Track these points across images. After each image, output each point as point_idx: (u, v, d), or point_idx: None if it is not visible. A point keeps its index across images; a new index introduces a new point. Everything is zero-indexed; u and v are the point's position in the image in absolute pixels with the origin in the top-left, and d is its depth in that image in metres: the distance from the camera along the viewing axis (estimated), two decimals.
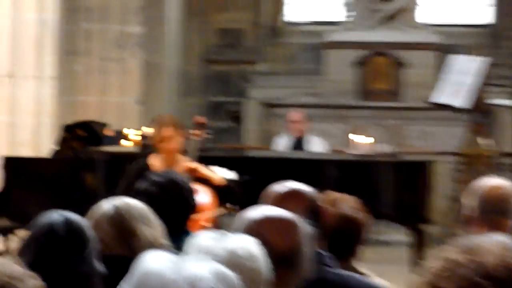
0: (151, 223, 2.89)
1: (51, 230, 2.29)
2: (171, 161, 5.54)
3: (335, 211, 3.16)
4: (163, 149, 5.52)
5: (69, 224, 2.31)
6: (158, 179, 3.67)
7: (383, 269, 4.30)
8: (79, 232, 2.41)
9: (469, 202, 3.41)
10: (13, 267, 1.66)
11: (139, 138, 7.11)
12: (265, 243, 1.93)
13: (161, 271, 1.41)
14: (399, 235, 8.22)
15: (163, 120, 5.67)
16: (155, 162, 5.56)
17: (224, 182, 5.43)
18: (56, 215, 2.33)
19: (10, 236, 6.79)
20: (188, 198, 3.64)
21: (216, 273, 1.45)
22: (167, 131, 5.44)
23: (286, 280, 2.03)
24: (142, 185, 3.67)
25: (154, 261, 1.42)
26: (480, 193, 3.35)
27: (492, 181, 3.52)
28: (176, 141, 5.50)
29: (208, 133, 5.88)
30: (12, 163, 7.11)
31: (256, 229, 2.11)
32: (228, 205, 5.99)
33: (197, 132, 5.75)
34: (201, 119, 5.94)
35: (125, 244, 2.80)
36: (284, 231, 2.21)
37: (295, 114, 9.14)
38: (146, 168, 5.45)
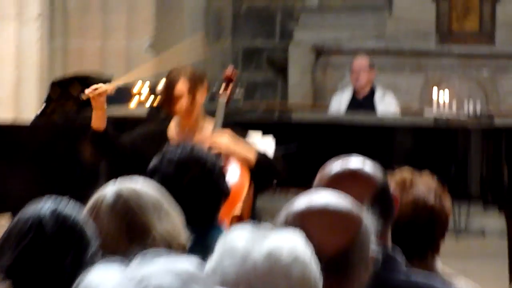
0: (166, 215, 2.62)
1: (36, 226, 2.04)
2: (191, 128, 5.06)
3: (409, 195, 2.93)
4: (177, 111, 5.04)
5: (60, 218, 2.06)
6: (176, 155, 3.39)
7: (475, 266, 4.25)
8: (73, 229, 2.20)
9: None
10: None
11: (151, 96, 6.45)
12: (311, 243, 1.77)
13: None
14: (494, 222, 7.56)
15: (177, 73, 5.08)
16: (172, 128, 5.17)
17: (262, 157, 4.94)
18: (43, 206, 2.07)
19: None
20: (218, 181, 3.35)
21: None
22: (181, 87, 4.95)
23: None
24: (154, 163, 3.42)
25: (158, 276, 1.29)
26: None
27: None
28: (193, 102, 5.00)
29: (240, 90, 5.34)
30: None
31: (299, 224, 1.90)
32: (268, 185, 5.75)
33: (226, 89, 5.10)
34: (231, 71, 5.16)
35: (133, 242, 2.51)
36: (337, 228, 2.00)
37: (358, 61, 8.00)
38: (164, 133, 5.11)
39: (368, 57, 8.35)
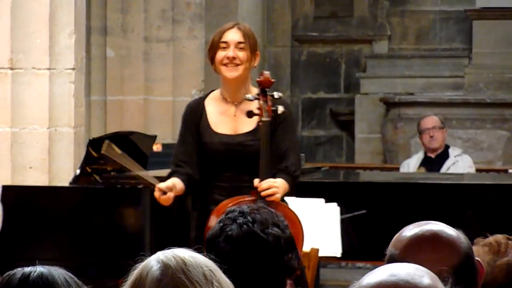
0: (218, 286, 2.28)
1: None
2: (234, 96, 4.85)
3: (501, 262, 2.69)
4: (221, 62, 4.79)
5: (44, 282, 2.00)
6: (234, 228, 2.97)
7: None
8: None
9: None
10: None
11: None
12: None
13: None
14: None
15: (228, 25, 4.99)
16: (212, 105, 4.96)
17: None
18: (34, 269, 1.98)
19: None
20: (281, 258, 2.92)
21: None
22: (232, 34, 4.75)
23: None
24: (211, 233, 3.06)
25: None
26: None
27: None
28: (240, 56, 4.77)
29: (273, 108, 4.74)
30: (12, 193, 6.09)
31: None
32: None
33: (264, 98, 4.66)
34: (266, 76, 4.74)
35: None
36: None
37: (430, 119, 7.75)
38: (200, 114, 4.93)
39: (442, 110, 8.29)
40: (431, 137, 7.62)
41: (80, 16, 6.56)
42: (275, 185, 4.53)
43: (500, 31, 9.40)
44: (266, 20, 10.05)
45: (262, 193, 4.52)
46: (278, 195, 4.57)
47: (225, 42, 4.67)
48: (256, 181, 4.53)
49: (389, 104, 9.25)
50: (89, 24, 7.38)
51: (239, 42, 4.66)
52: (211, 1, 8.42)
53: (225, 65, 4.65)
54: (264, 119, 4.53)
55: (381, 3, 10.13)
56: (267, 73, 4.75)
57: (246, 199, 4.42)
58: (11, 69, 6.44)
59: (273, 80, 4.74)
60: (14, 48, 6.38)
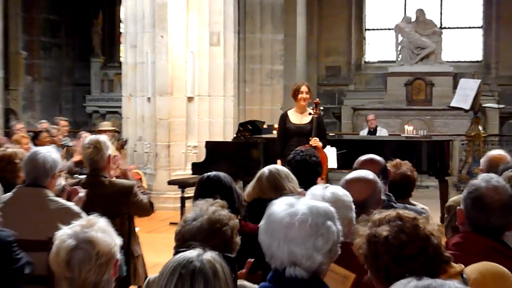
0: (292, 180, 3.47)
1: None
2: (302, 111, 6.62)
3: (397, 171, 3.79)
4: (299, 98, 6.51)
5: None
6: (298, 156, 4.23)
7: (424, 201, 4.31)
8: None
9: (482, 164, 4.17)
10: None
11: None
12: (352, 195, 2.50)
13: (278, 209, 1.94)
14: (433, 182, 9.55)
15: (302, 83, 6.76)
16: (291, 113, 6.69)
17: (324, 145, 6.39)
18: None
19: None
20: (316, 168, 4.23)
21: (311, 207, 1.94)
22: (304, 88, 6.63)
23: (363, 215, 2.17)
24: (289, 158, 4.29)
25: (277, 203, 1.92)
26: (487, 158, 4.19)
27: (494, 152, 4.28)
28: (307, 97, 6.62)
29: (322, 111, 6.76)
30: (210, 144, 8.62)
31: (346, 186, 2.64)
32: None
33: (315, 109, 6.64)
34: (317, 100, 6.83)
35: (276, 192, 3.32)
36: (365, 187, 2.70)
37: (370, 115, 11.64)
38: (286, 117, 6.63)
39: (374, 112, 11.74)
40: (371, 123, 11.22)
41: None
42: (318, 142, 6.28)
43: (397, 80, 13.44)
44: (307, 77, 13.20)
45: (313, 143, 6.19)
46: (320, 145, 6.22)
47: (300, 91, 6.51)
48: (311, 140, 6.31)
49: (354, 109, 13.74)
50: None
51: (306, 92, 6.53)
52: (286, 69, 12.17)
53: (302, 99, 6.47)
54: (315, 116, 6.32)
55: (351, 70, 14.53)
56: (317, 99, 6.77)
57: (306, 146, 5.62)
58: None
59: (319, 102, 6.54)
60: None
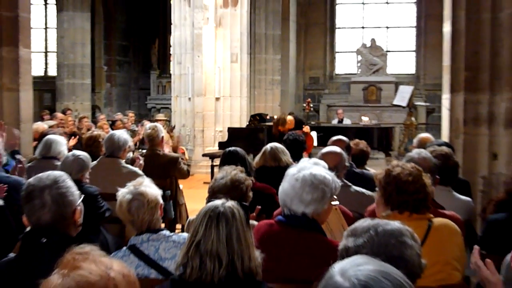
0: (286, 154, 3.31)
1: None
2: (286, 129, 6.67)
3: (357, 147, 3.65)
4: (281, 128, 6.74)
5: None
6: (291, 137, 3.97)
7: (375, 168, 3.35)
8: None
9: (414, 143, 3.90)
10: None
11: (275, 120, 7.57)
12: (327, 163, 2.33)
13: (291, 172, 1.87)
14: (381, 155, 9.56)
15: (284, 118, 6.72)
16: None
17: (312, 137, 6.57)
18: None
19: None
20: (302, 145, 3.98)
21: (312, 173, 1.81)
22: (288, 125, 6.57)
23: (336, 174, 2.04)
24: (285, 138, 4.00)
25: (291, 169, 1.83)
26: (418, 139, 3.95)
27: (422, 134, 4.10)
28: (289, 126, 6.74)
29: (311, 109, 7.57)
30: (231, 130, 8.70)
31: (322, 157, 2.64)
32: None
33: (307, 107, 7.37)
34: (309, 100, 7.50)
35: (275, 161, 3.23)
36: (335, 157, 2.65)
37: (339, 110, 11.58)
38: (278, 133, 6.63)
39: (342, 108, 11.49)
40: (340, 115, 10.98)
41: None
42: (308, 128, 6.50)
43: (358, 87, 12.80)
44: (296, 85, 13.03)
45: (305, 130, 6.32)
46: (309, 130, 6.43)
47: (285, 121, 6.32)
48: (304, 127, 6.48)
49: (328, 106, 13.40)
50: None
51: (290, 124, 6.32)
52: (282, 78, 11.48)
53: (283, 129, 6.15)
54: (306, 112, 6.90)
55: (327, 79, 13.72)
56: (309, 99, 7.34)
57: (299, 131, 5.58)
58: None
59: (310, 101, 6.85)
60: None
